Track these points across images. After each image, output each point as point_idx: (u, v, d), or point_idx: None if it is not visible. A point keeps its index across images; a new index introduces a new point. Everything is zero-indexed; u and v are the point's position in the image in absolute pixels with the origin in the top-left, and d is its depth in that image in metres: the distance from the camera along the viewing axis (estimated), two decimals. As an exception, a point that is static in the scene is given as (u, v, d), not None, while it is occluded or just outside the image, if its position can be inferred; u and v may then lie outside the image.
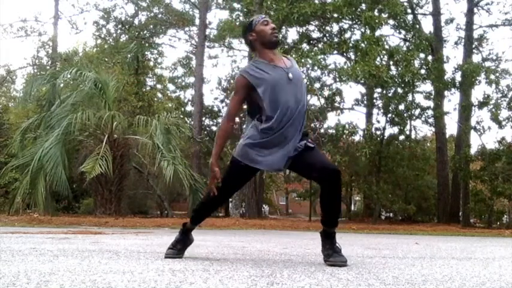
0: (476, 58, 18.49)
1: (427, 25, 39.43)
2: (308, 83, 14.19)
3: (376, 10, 14.41)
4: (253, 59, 2.96)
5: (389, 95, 15.26)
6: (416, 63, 15.15)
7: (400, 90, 15.08)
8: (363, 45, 13.77)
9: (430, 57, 16.48)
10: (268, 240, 5.78)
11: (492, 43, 34.19)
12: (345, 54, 15.96)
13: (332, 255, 2.83)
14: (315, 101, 16.93)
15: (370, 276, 2.36)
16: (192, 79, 24.10)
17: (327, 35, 17.17)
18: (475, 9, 18.99)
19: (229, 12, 20.08)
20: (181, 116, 22.74)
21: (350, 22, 15.99)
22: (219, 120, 23.61)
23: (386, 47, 14.56)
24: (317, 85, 15.44)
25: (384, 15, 14.42)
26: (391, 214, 20.90)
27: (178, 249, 3.04)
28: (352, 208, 28.67)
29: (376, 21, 13.61)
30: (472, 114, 16.85)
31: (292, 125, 2.81)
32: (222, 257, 3.17)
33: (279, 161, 2.83)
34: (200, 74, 19.22)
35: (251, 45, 2.96)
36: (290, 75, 2.83)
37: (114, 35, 22.88)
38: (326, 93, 16.64)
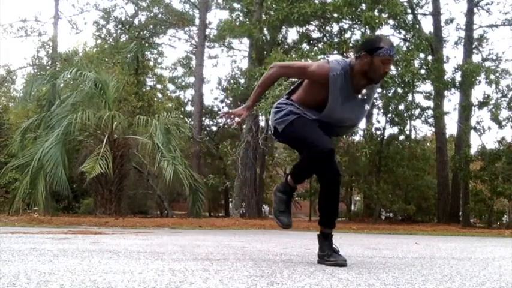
0: (476, 58, 18.49)
1: (427, 25, 39.39)
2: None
3: (376, 10, 14.41)
4: (349, 62, 2.73)
5: (389, 95, 15.26)
6: (416, 63, 15.14)
7: (400, 90, 15.08)
8: (363, 45, 13.77)
9: (430, 57, 16.47)
10: (268, 240, 5.78)
11: (492, 43, 34.07)
12: (345, 54, 15.95)
13: (332, 255, 2.82)
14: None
15: (370, 276, 2.36)
16: (192, 79, 24.09)
17: (327, 35, 17.16)
18: (475, 9, 18.97)
19: (229, 12, 20.08)
20: (181, 116, 22.74)
21: (350, 22, 15.98)
22: (219, 120, 23.62)
23: (387, 47, 14.55)
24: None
25: (384, 15, 14.42)
26: (391, 214, 20.90)
27: (283, 209, 2.95)
28: (352, 208, 28.63)
29: (376, 21, 13.61)
30: (472, 114, 16.85)
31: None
32: (222, 257, 3.17)
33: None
34: (200, 74, 19.22)
35: (360, 56, 2.69)
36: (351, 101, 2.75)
37: (114, 35, 22.88)
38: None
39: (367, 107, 2.83)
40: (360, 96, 2.81)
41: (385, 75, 2.72)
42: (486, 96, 15.91)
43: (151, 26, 22.38)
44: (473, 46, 18.78)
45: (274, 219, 2.95)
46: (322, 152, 2.64)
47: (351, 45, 14.95)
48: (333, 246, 2.87)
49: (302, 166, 2.86)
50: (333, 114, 2.74)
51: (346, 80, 2.68)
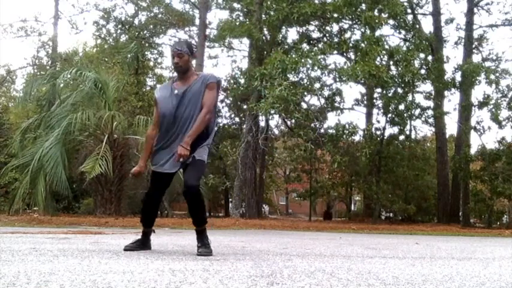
0: (476, 58, 18.50)
1: (427, 25, 39.44)
2: (308, 83, 14.19)
3: (376, 10, 14.40)
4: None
5: (390, 95, 15.25)
6: (416, 63, 15.14)
7: (400, 90, 15.07)
8: (363, 45, 13.77)
9: (430, 57, 16.47)
10: (268, 240, 5.78)
11: (492, 43, 34.21)
12: (345, 54, 15.95)
13: (201, 247, 3.33)
14: (315, 101, 16.97)
15: (370, 276, 2.36)
16: (192, 79, 23.99)
17: (327, 35, 17.15)
18: (475, 9, 18.98)
19: (229, 12, 20.08)
20: (181, 116, 22.67)
21: (350, 22, 15.98)
22: (219, 120, 23.62)
23: (386, 47, 14.55)
24: (317, 85, 15.46)
25: (384, 15, 14.41)
26: (391, 214, 20.89)
27: (137, 245, 3.52)
28: (352, 208, 28.65)
29: (376, 21, 13.60)
30: (472, 114, 16.85)
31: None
32: (222, 257, 3.17)
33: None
34: (200, 74, 19.17)
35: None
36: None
37: (114, 35, 22.88)
38: (326, 93, 16.64)
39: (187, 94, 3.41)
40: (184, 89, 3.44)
41: (176, 66, 3.44)
42: (486, 96, 15.89)
43: (151, 26, 22.36)
44: (473, 46, 18.77)
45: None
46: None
47: (351, 45, 14.95)
48: (205, 240, 3.38)
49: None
50: (166, 111, 3.40)
51: (167, 87, 3.56)
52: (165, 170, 3.40)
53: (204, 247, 3.32)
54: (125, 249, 3.43)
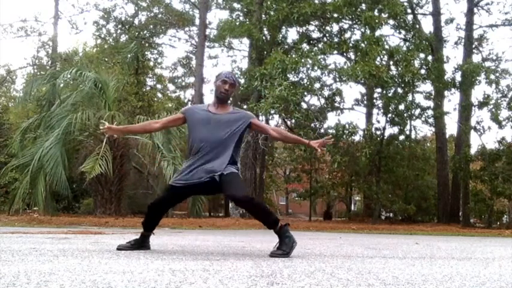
0: (476, 58, 18.50)
1: (427, 25, 39.48)
2: (308, 83, 14.20)
3: (376, 10, 14.41)
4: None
5: (390, 95, 15.25)
6: (416, 63, 15.14)
7: (400, 90, 15.06)
8: (363, 45, 13.77)
9: (430, 57, 16.47)
10: (268, 240, 5.77)
11: (492, 43, 34.27)
12: (345, 54, 15.95)
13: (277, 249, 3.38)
14: (315, 101, 16.97)
15: (370, 276, 2.36)
16: (192, 79, 24.08)
17: (327, 35, 17.16)
18: (475, 9, 18.99)
19: (229, 12, 20.09)
20: (182, 116, 22.65)
21: (350, 22, 15.99)
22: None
23: (386, 47, 14.55)
24: (317, 85, 15.46)
25: (384, 15, 14.42)
26: (391, 214, 20.89)
27: (131, 244, 3.54)
28: (352, 208, 28.64)
29: (376, 21, 13.61)
30: (472, 114, 16.86)
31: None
32: (222, 257, 3.17)
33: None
34: (200, 74, 19.22)
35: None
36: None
37: (114, 35, 22.91)
38: (326, 93, 16.64)
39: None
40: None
41: (225, 92, 3.52)
42: (486, 96, 15.90)
43: (151, 26, 22.40)
44: (473, 46, 18.78)
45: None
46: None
47: (351, 45, 14.95)
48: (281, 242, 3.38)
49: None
50: (203, 134, 3.45)
51: (201, 110, 3.61)
52: (188, 181, 3.37)
53: (278, 249, 3.34)
54: (118, 249, 3.44)
